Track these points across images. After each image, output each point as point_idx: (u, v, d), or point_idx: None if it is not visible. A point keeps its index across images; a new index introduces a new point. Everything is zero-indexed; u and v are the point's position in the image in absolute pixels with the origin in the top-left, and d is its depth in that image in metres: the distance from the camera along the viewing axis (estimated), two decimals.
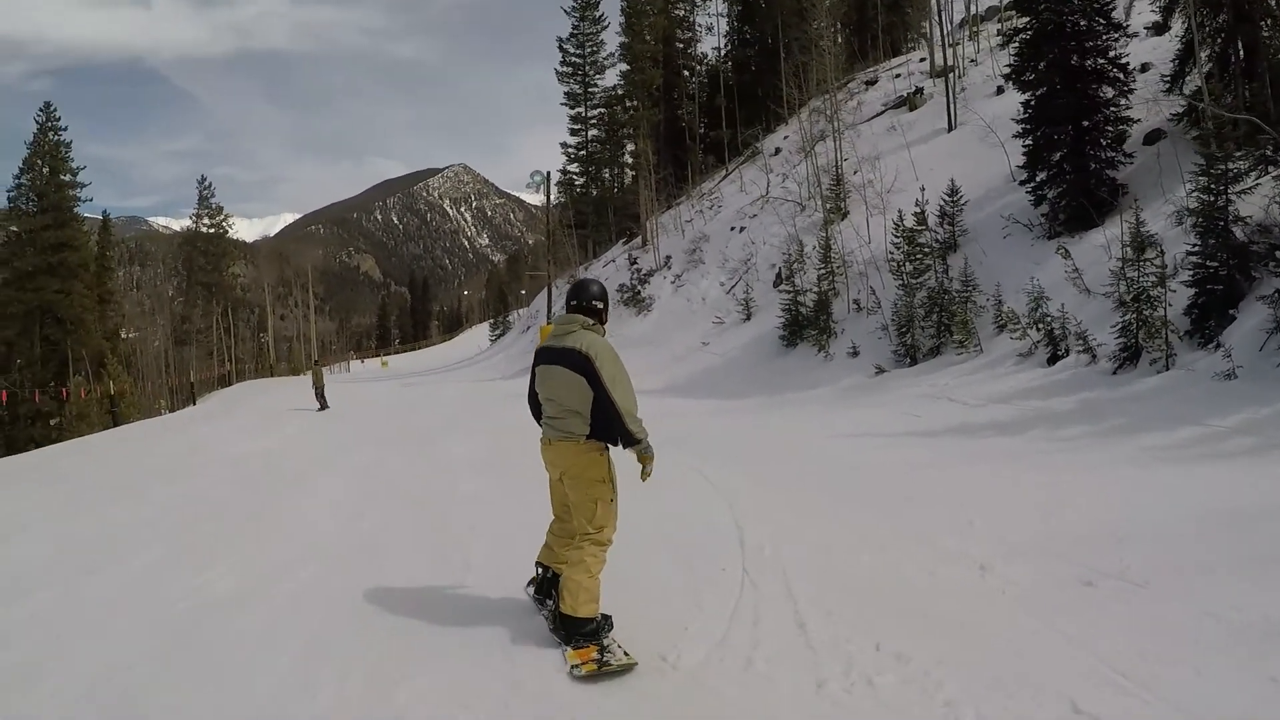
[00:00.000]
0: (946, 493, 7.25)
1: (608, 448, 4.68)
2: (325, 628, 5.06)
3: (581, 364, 4.45)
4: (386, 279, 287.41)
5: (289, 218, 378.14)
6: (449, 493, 9.17)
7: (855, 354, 16.42)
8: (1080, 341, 11.40)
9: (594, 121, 50.46)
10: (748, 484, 8.20)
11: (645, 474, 4.69)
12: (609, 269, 33.76)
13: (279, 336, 79.72)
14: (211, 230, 63.93)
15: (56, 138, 50.89)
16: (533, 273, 52.04)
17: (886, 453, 9.49)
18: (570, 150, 50.87)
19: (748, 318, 22.20)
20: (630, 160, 47.04)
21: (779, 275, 22.83)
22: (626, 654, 4.34)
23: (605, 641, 4.43)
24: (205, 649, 4.85)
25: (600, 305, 4.79)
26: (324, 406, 23.34)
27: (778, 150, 33.83)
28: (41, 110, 50.82)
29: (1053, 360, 11.91)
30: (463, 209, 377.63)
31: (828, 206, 23.28)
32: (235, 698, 4.21)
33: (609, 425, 4.54)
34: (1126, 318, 10.85)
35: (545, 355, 4.76)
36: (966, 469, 8.15)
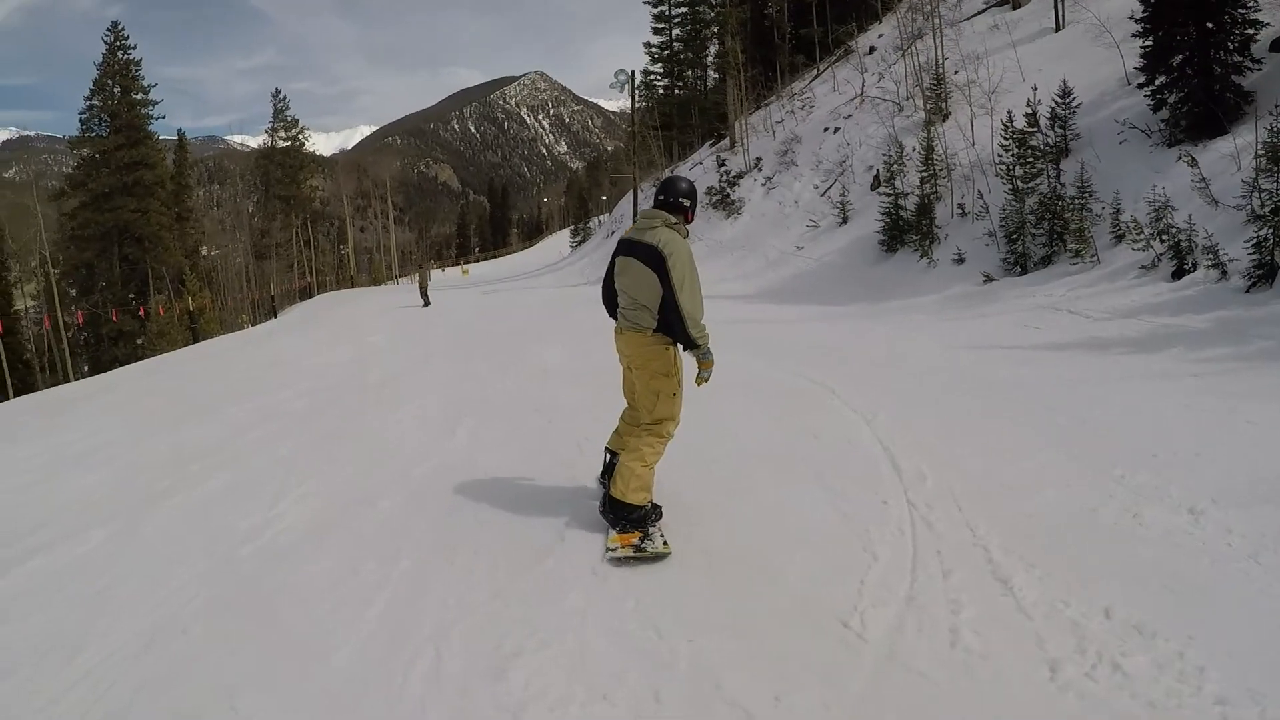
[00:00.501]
0: (1114, 417, 6.35)
1: (675, 343, 4.71)
2: (412, 579, 4.38)
3: (656, 260, 4.49)
4: (465, 188, 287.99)
5: (366, 130, 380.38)
6: (550, 404, 8.53)
7: (960, 261, 15.59)
8: (1210, 256, 10.38)
9: (678, 20, 48.61)
10: (880, 399, 7.43)
11: (701, 379, 4.71)
12: (695, 171, 32.83)
13: (359, 248, 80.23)
14: (287, 144, 63.89)
15: (126, 56, 50.60)
16: (615, 176, 51.02)
17: (1024, 368, 8.68)
18: (654, 50, 49.47)
19: (844, 221, 21.34)
20: (715, 60, 45.21)
21: (876, 178, 21.85)
22: (665, 543, 4.46)
23: (649, 530, 4.55)
24: (269, 608, 4.14)
25: (687, 204, 4.72)
26: (427, 303, 26.37)
27: (872, 49, 32.16)
28: (109, 30, 50.34)
29: (1178, 274, 10.91)
30: (540, 117, 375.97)
31: (928, 107, 22.09)
32: (301, 683, 3.41)
33: (679, 324, 4.54)
34: (1262, 232, 9.87)
35: (625, 247, 4.79)
36: (1125, 388, 7.24)
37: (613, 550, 4.44)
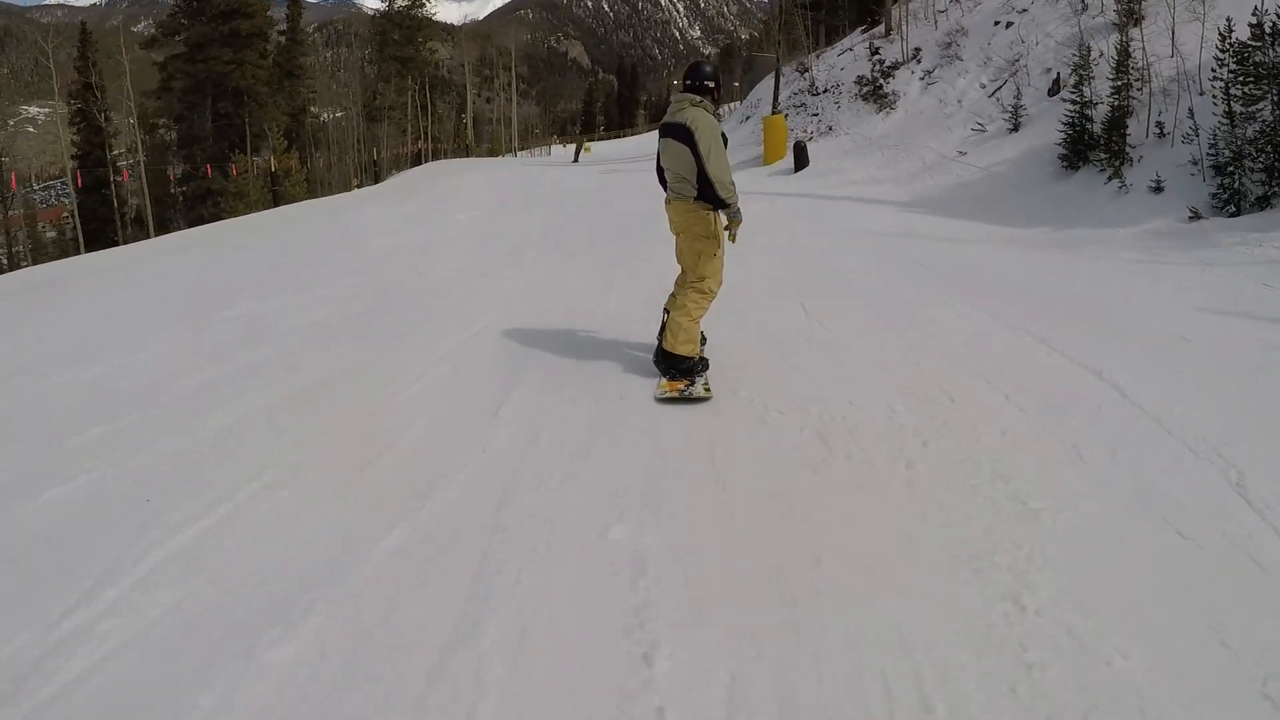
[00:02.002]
0: None
1: (715, 209, 5.41)
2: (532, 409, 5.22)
3: (686, 136, 5.22)
4: (595, 66, 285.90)
5: (498, 1, 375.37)
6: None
7: (1158, 189, 12.96)
8: None
9: None
10: (1168, 387, 5.08)
11: (731, 236, 5.49)
12: (845, 59, 29.67)
13: (481, 118, 78.86)
14: (406, 4, 61.71)
15: None
16: (755, 55, 47.69)
17: None
18: None
19: (1015, 128, 18.62)
20: None
21: (1056, 82, 18.98)
22: (707, 388, 5.28)
23: (695, 378, 5.31)
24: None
25: (711, 85, 5.46)
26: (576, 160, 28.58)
27: None
28: None
29: None
30: None
31: (1119, 7, 19.02)
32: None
33: (710, 189, 5.25)
34: None
35: (664, 130, 5.51)
36: None
37: (662, 393, 5.25)
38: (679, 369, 5.35)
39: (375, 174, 37.51)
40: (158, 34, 49.63)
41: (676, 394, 5.20)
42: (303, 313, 8.82)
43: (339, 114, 60.70)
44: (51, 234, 51.93)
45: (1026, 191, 15.47)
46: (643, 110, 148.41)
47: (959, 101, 21.83)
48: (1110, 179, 14.25)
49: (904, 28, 26.38)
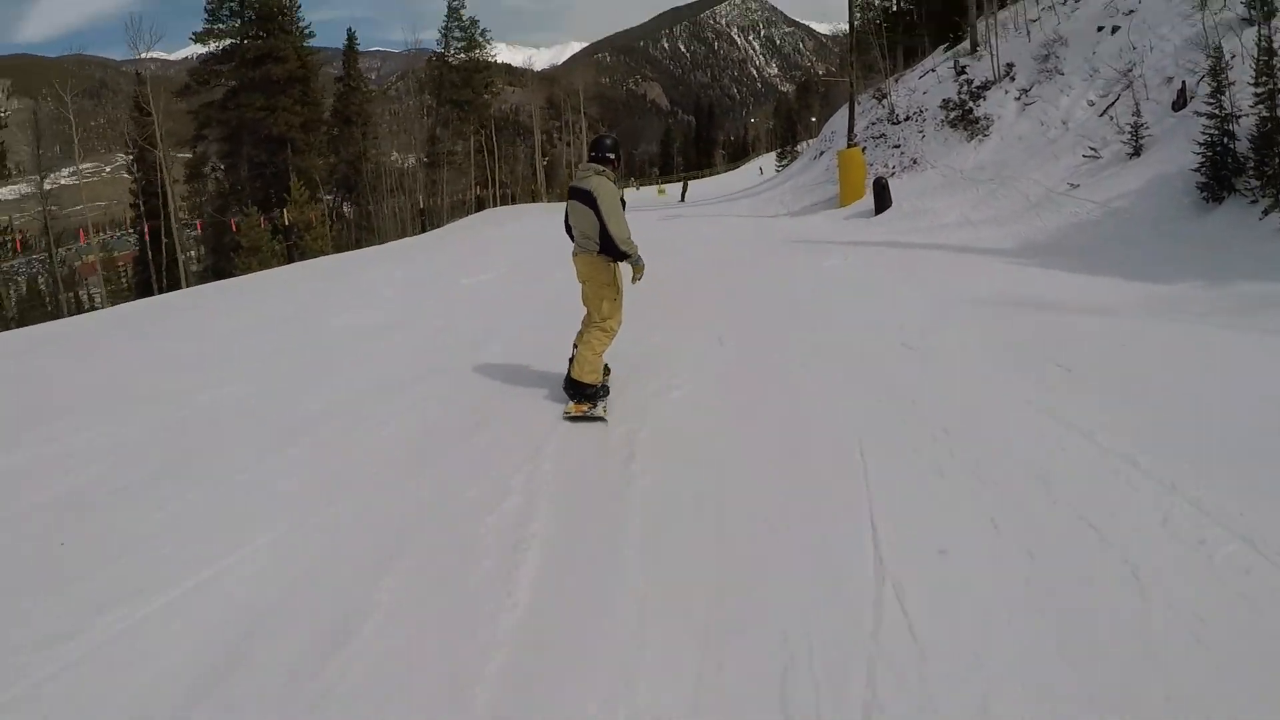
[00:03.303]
0: None
1: (615, 261, 6.54)
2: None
3: (590, 200, 6.31)
4: (674, 107, 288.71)
5: (576, 46, 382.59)
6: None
7: None
8: None
9: None
10: None
11: (635, 278, 6.57)
12: (927, 80, 26.78)
13: (557, 162, 77.75)
14: (462, 43, 60.45)
15: None
16: (829, 79, 44.90)
17: None
18: None
19: (1136, 152, 15.62)
20: None
21: (1181, 93, 16.01)
22: (604, 413, 6.36)
23: (597, 403, 6.41)
24: None
25: (611, 156, 6.50)
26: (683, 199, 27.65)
27: None
28: None
29: None
30: (750, 37, 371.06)
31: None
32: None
33: (611, 245, 6.34)
34: None
35: (571, 193, 6.59)
36: None
37: (568, 413, 6.38)
38: (584, 394, 6.42)
39: (422, 223, 36.19)
40: (191, 82, 49.36)
41: (581, 414, 6.32)
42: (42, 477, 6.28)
43: (397, 159, 59.38)
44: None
45: (1160, 232, 12.57)
46: (722, 150, 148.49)
47: (1064, 123, 18.93)
48: (1268, 211, 11.35)
49: (992, 42, 23.47)
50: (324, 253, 35.96)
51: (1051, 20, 23.27)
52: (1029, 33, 23.36)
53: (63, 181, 44.09)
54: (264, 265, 32.88)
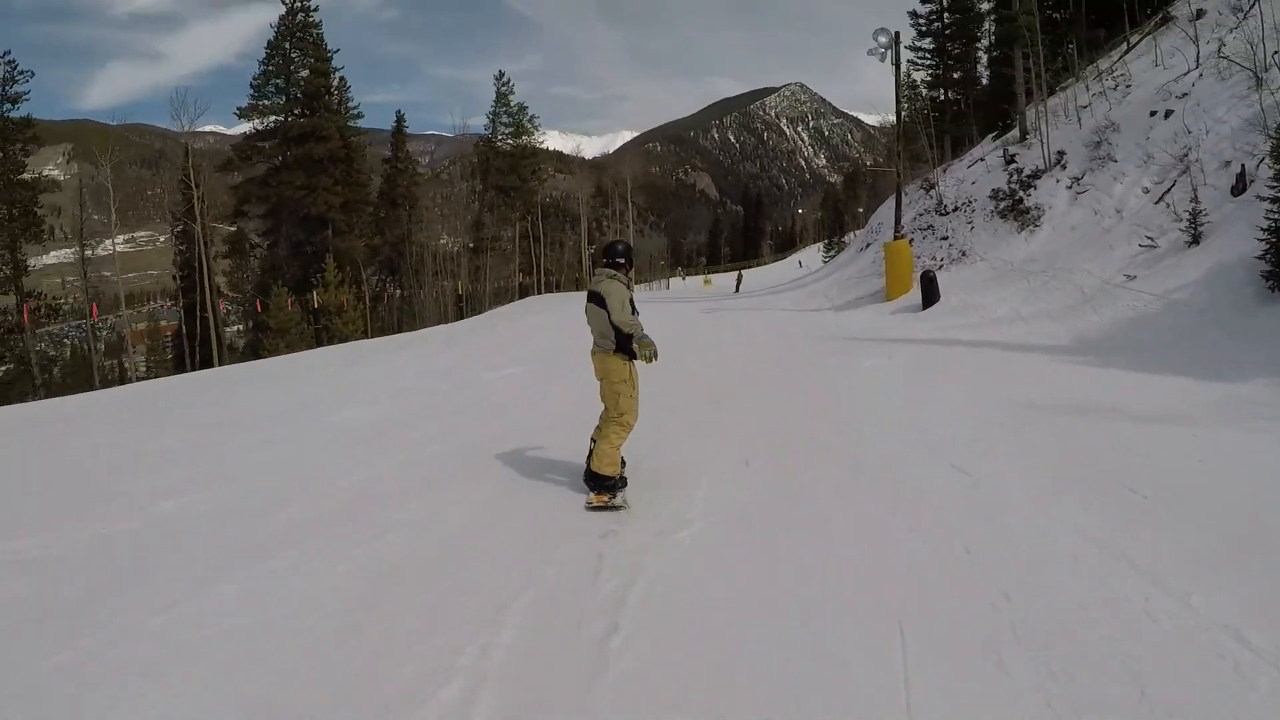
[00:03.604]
0: None
1: (631, 359, 6.78)
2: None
3: (601, 301, 6.71)
4: (723, 197, 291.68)
5: (627, 135, 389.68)
6: None
7: None
8: None
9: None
10: None
11: (643, 357, 6.64)
12: (976, 170, 26.46)
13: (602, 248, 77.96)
14: (509, 129, 60.86)
15: (306, 18, 47.82)
16: (877, 168, 44.55)
17: None
18: (920, 21, 42.20)
19: (1194, 240, 14.79)
20: (996, 25, 37.27)
21: (1240, 177, 15.23)
22: (624, 502, 6.58)
23: (616, 493, 6.61)
24: None
25: (621, 260, 6.90)
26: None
27: (1200, 12, 24.84)
28: None
29: None
30: (799, 128, 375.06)
31: None
32: None
33: (625, 341, 6.68)
34: None
35: (589, 296, 6.95)
36: None
37: (590, 504, 6.59)
38: (603, 485, 6.61)
39: (460, 309, 35.99)
40: (234, 157, 49.68)
41: (602, 504, 6.55)
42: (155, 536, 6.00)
43: (446, 242, 59.04)
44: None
45: (1223, 325, 11.71)
46: (768, 240, 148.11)
47: (1118, 212, 18.23)
48: None
49: (1042, 129, 22.93)
50: (354, 337, 35.73)
51: (1103, 106, 22.75)
52: (1079, 119, 22.84)
53: (119, 247, 44.36)
54: (292, 347, 32.78)
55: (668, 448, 8.21)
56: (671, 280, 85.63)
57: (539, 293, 52.97)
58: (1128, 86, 23.43)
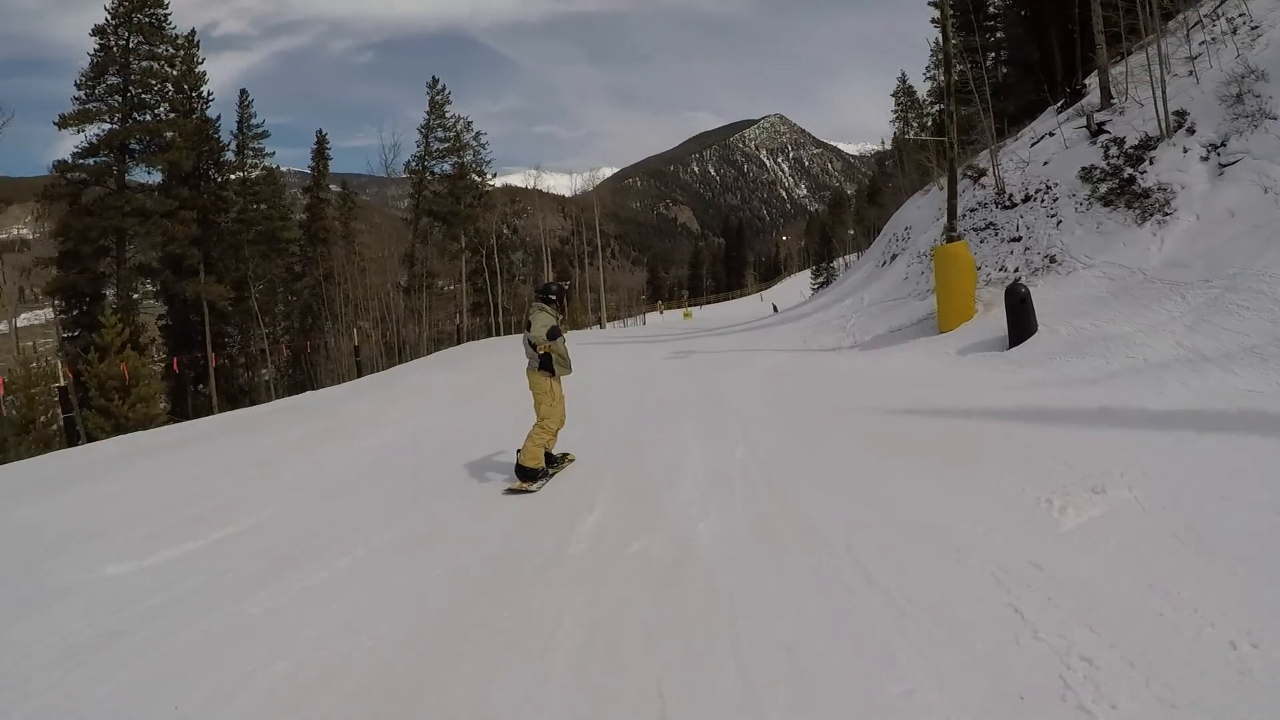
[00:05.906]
0: None
1: (552, 373, 8.34)
2: None
3: (528, 327, 8.24)
4: (704, 230, 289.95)
5: (608, 171, 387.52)
6: None
7: None
8: None
9: None
10: None
11: (555, 359, 8.36)
12: (1045, 148, 18.57)
13: (588, 286, 71.16)
14: (446, 144, 53.05)
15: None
16: (927, 137, 36.82)
17: None
18: None
19: None
20: None
21: None
22: (535, 490, 7.93)
23: (537, 481, 8.05)
24: None
25: (553, 298, 8.56)
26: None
27: None
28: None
29: None
30: (779, 159, 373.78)
31: None
32: None
33: (546, 359, 8.26)
34: None
35: (525, 325, 8.53)
36: None
37: (513, 488, 7.99)
38: (527, 475, 8.06)
39: (358, 365, 29.82)
40: (59, 179, 40.56)
41: (519, 488, 7.99)
42: None
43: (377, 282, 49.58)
44: None
45: None
46: (752, 270, 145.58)
47: None
48: None
49: (1150, 88, 15.86)
50: (145, 421, 27.25)
51: (1227, 52, 15.86)
52: (1195, 74, 15.87)
53: None
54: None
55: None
56: (649, 315, 79.40)
57: (494, 334, 45.75)
58: (1253, 28, 16.60)
